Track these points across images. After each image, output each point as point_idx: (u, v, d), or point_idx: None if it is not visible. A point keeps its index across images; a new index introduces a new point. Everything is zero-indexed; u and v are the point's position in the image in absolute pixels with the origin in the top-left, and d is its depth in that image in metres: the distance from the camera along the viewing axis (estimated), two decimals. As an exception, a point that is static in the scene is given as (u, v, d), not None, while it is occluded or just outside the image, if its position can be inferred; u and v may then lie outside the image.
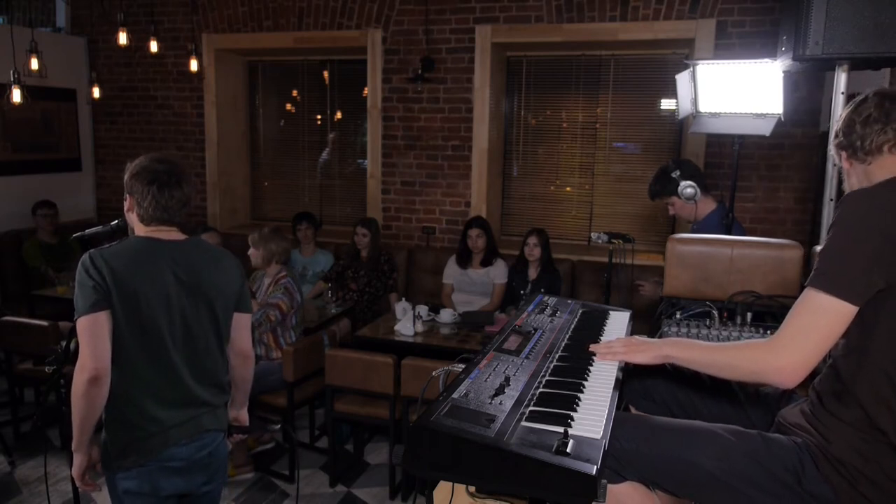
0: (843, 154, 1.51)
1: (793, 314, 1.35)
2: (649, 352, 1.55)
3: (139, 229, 1.95)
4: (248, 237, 3.76)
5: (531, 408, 1.36)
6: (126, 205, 1.95)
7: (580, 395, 1.42)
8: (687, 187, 2.99)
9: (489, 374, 1.49)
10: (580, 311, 2.09)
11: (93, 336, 1.77)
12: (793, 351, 1.31)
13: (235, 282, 2.03)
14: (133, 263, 1.83)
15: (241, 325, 2.10)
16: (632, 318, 2.08)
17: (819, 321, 1.31)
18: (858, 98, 1.51)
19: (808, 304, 1.33)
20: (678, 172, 3.07)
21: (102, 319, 1.78)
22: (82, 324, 1.77)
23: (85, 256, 1.81)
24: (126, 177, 1.93)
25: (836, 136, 1.53)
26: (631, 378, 1.73)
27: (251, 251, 3.69)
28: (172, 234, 1.95)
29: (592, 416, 1.33)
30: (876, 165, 1.44)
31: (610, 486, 1.42)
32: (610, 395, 1.44)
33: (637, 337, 1.67)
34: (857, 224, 1.31)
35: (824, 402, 1.39)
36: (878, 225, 1.29)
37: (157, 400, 1.87)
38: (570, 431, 1.25)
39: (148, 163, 1.92)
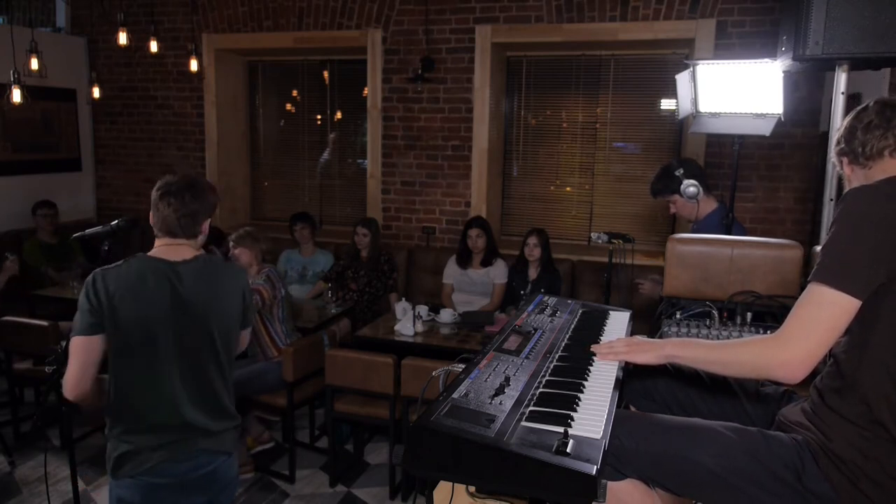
0: (845, 160, 1.53)
1: (796, 309, 1.35)
2: (651, 352, 1.55)
3: (156, 243, 1.98)
4: (231, 237, 3.75)
5: (531, 408, 1.36)
6: (151, 218, 2.00)
7: (580, 395, 1.42)
8: (689, 186, 3.00)
9: (489, 374, 1.49)
10: (580, 311, 2.09)
11: (82, 359, 1.85)
12: (797, 345, 1.32)
13: (237, 302, 2.03)
14: (133, 287, 1.86)
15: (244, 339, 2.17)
16: (632, 318, 2.07)
17: (822, 315, 1.31)
18: (860, 107, 1.53)
19: (811, 298, 1.33)
20: (682, 171, 3.07)
21: (95, 343, 1.85)
22: (75, 343, 1.85)
23: (89, 277, 1.86)
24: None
25: (838, 143, 1.55)
26: (631, 378, 1.73)
27: (238, 251, 3.68)
28: (180, 252, 1.95)
29: (592, 416, 1.33)
30: (876, 169, 1.46)
31: (610, 484, 1.42)
32: (610, 394, 1.44)
33: (638, 337, 1.67)
34: (859, 218, 1.32)
35: (826, 398, 1.39)
36: (880, 219, 1.30)
37: (150, 419, 1.90)
38: (570, 431, 1.25)
39: (167, 177, 1.97)
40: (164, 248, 1.95)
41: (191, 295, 1.91)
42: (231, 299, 2.00)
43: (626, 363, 1.62)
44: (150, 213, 1.98)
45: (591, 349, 1.67)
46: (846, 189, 1.58)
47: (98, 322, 1.83)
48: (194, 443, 1.93)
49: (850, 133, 1.50)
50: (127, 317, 1.84)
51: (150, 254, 1.95)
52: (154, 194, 1.94)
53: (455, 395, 1.37)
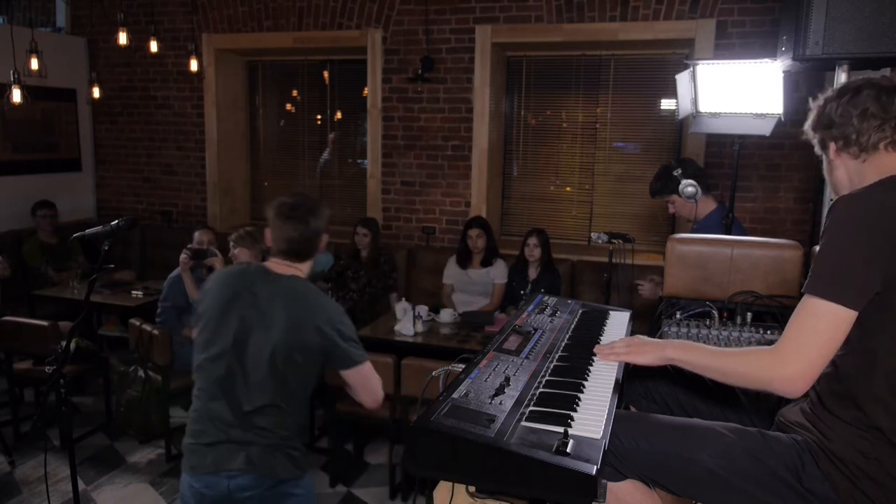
0: (833, 145, 1.46)
1: (794, 321, 1.33)
2: (652, 353, 1.54)
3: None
4: (231, 238, 3.75)
5: (531, 408, 1.36)
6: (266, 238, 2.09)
7: (580, 395, 1.42)
8: (688, 186, 2.99)
9: (489, 374, 1.49)
10: (580, 311, 2.09)
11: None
12: (797, 360, 1.30)
13: (312, 334, 1.92)
14: (223, 281, 2.00)
15: (352, 382, 2.03)
16: (632, 318, 2.07)
17: (820, 328, 1.29)
18: (849, 87, 1.44)
19: (807, 310, 1.31)
20: (680, 171, 3.07)
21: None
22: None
23: None
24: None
25: (827, 126, 1.46)
26: (631, 378, 1.73)
27: (238, 251, 3.68)
28: (281, 268, 2.01)
29: (592, 416, 1.33)
30: (870, 163, 1.41)
31: (610, 485, 1.42)
32: (610, 394, 1.44)
33: (640, 337, 1.66)
34: (850, 226, 1.30)
35: (824, 401, 1.39)
36: (872, 225, 1.27)
37: (198, 415, 1.95)
38: (570, 431, 1.25)
39: (283, 197, 2.06)
40: (275, 263, 2.04)
41: (266, 305, 1.93)
42: (305, 327, 1.92)
43: (627, 363, 1.62)
44: (267, 233, 2.07)
45: (596, 350, 1.66)
46: (828, 177, 1.54)
47: (197, 316, 2.04)
48: (235, 458, 1.89)
49: (842, 117, 1.42)
50: (205, 306, 1.99)
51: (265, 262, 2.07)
52: (272, 218, 2.03)
53: (455, 395, 1.37)
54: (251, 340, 1.91)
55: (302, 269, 2.04)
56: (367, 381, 2.02)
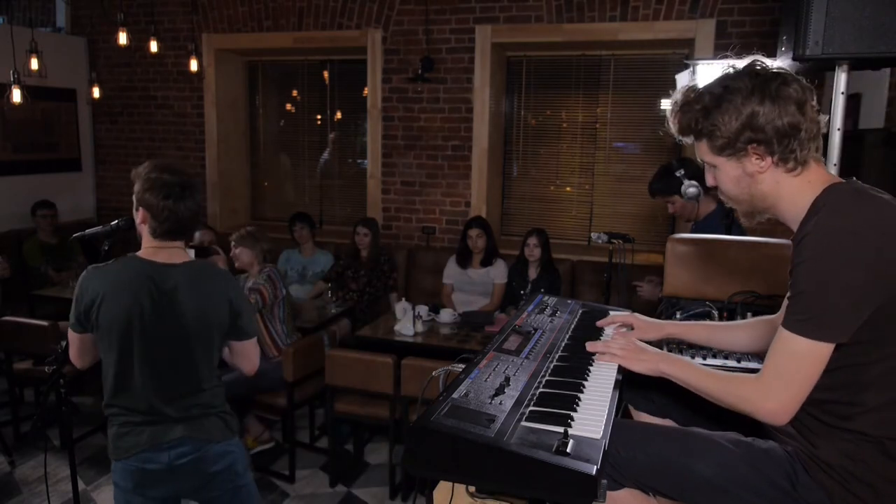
0: (770, 159, 1.34)
1: (775, 356, 1.31)
2: (645, 363, 1.53)
3: (146, 242, 2.01)
4: (232, 237, 3.76)
5: (531, 408, 1.36)
6: (138, 217, 2.00)
7: (580, 395, 1.42)
8: (690, 187, 2.99)
9: (489, 374, 1.49)
10: (580, 311, 2.09)
11: (76, 347, 2.08)
12: (779, 395, 1.29)
13: (223, 310, 2.01)
14: (115, 286, 1.94)
15: (239, 352, 2.13)
16: (632, 318, 2.07)
17: (801, 364, 1.27)
18: (767, 89, 1.34)
19: (788, 347, 1.28)
20: (682, 171, 3.07)
21: (82, 338, 2.04)
22: (69, 333, 2.07)
23: (84, 273, 1.97)
24: (137, 189, 1.97)
25: (762, 141, 1.33)
26: (631, 379, 1.73)
27: (239, 251, 3.69)
28: (172, 255, 1.99)
29: (592, 416, 1.33)
30: (803, 177, 1.35)
31: (609, 493, 1.41)
32: (610, 395, 1.44)
33: (636, 341, 1.65)
34: (827, 262, 1.24)
35: (807, 407, 1.37)
36: (849, 259, 1.23)
37: (129, 408, 1.99)
38: (570, 431, 1.25)
39: (157, 175, 1.95)
40: (155, 250, 1.98)
41: (170, 300, 1.94)
42: (215, 306, 1.99)
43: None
44: (145, 215, 1.96)
45: (587, 346, 1.65)
46: (732, 189, 1.46)
47: (81, 322, 1.98)
48: (171, 432, 1.97)
49: (783, 128, 1.30)
50: (106, 316, 1.93)
51: (140, 254, 1.99)
52: (157, 199, 1.92)
53: (455, 395, 1.37)
54: (169, 334, 1.95)
55: (184, 248, 2.05)
56: (253, 352, 2.15)
